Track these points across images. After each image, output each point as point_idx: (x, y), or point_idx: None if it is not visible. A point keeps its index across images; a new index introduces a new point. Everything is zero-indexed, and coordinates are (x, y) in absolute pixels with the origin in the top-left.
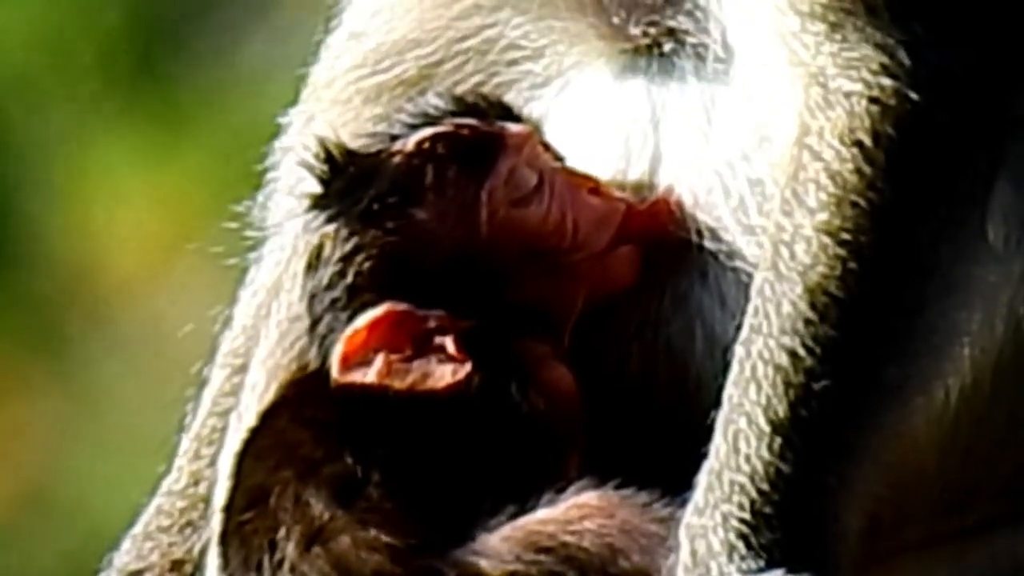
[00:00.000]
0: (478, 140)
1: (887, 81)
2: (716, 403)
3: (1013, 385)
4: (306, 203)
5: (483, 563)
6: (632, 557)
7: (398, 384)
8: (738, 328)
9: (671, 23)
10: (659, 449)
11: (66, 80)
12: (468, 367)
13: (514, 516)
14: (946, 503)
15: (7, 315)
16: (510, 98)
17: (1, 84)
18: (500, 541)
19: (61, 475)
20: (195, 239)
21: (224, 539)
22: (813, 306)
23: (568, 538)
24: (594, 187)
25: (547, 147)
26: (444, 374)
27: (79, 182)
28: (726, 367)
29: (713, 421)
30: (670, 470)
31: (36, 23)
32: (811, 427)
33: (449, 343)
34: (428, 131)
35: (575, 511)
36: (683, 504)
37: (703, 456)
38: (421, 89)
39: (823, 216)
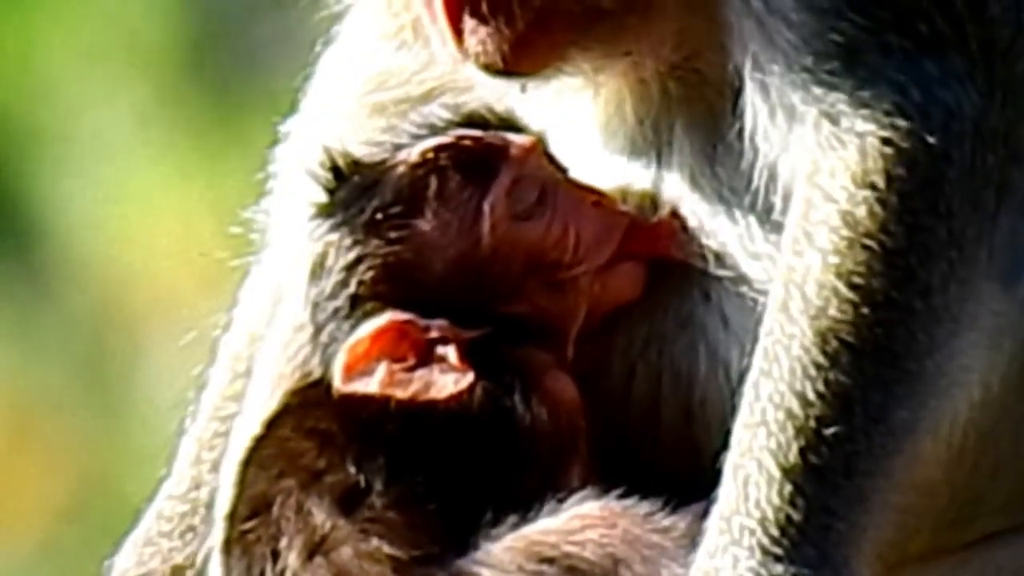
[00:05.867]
0: (481, 151)
1: (901, 122)
2: (721, 421)
3: (1020, 399)
4: (310, 212)
5: (485, 573)
6: (634, 567)
7: (400, 394)
8: (741, 348)
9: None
10: (664, 467)
11: (107, 95)
12: (470, 377)
13: (516, 526)
14: (951, 516)
15: (47, 332)
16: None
17: (41, 99)
18: (502, 551)
19: (101, 489)
20: (235, 253)
21: (227, 548)
22: (824, 351)
23: (570, 548)
24: (597, 200)
25: (551, 158)
26: (446, 384)
27: (118, 198)
28: (731, 386)
29: (717, 439)
30: (674, 487)
31: (78, 35)
32: (821, 473)
33: (451, 353)
34: (431, 142)
35: (577, 521)
36: (688, 515)
37: (707, 474)
38: (426, 102)
39: (835, 259)
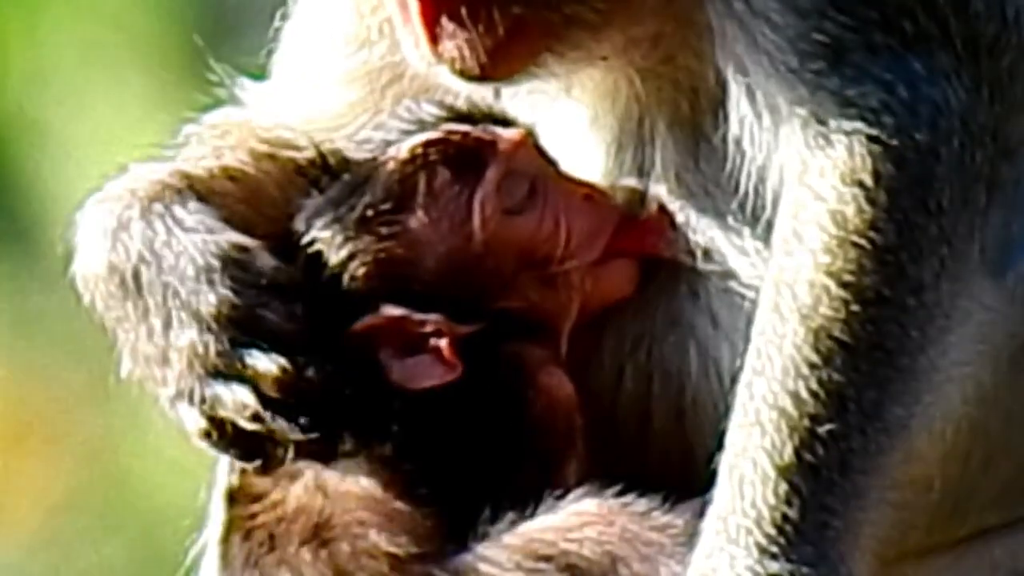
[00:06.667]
0: (470, 146)
1: (888, 119)
2: (712, 420)
3: (1010, 388)
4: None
5: (483, 570)
6: (632, 565)
7: (388, 385)
8: (731, 346)
9: (657, 63)
10: (655, 465)
11: (109, 87)
12: (458, 370)
13: (514, 523)
14: (945, 510)
15: (50, 323)
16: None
17: (44, 91)
18: (500, 549)
19: (105, 479)
20: None
21: (225, 538)
22: (817, 350)
23: (568, 546)
24: (589, 194)
25: (541, 152)
26: (433, 376)
27: None
28: (721, 384)
29: (709, 437)
30: (666, 485)
31: (80, 29)
32: (816, 471)
33: (443, 347)
34: (420, 138)
35: (575, 518)
36: (685, 513)
37: (699, 472)
38: (398, 75)
39: (825, 258)
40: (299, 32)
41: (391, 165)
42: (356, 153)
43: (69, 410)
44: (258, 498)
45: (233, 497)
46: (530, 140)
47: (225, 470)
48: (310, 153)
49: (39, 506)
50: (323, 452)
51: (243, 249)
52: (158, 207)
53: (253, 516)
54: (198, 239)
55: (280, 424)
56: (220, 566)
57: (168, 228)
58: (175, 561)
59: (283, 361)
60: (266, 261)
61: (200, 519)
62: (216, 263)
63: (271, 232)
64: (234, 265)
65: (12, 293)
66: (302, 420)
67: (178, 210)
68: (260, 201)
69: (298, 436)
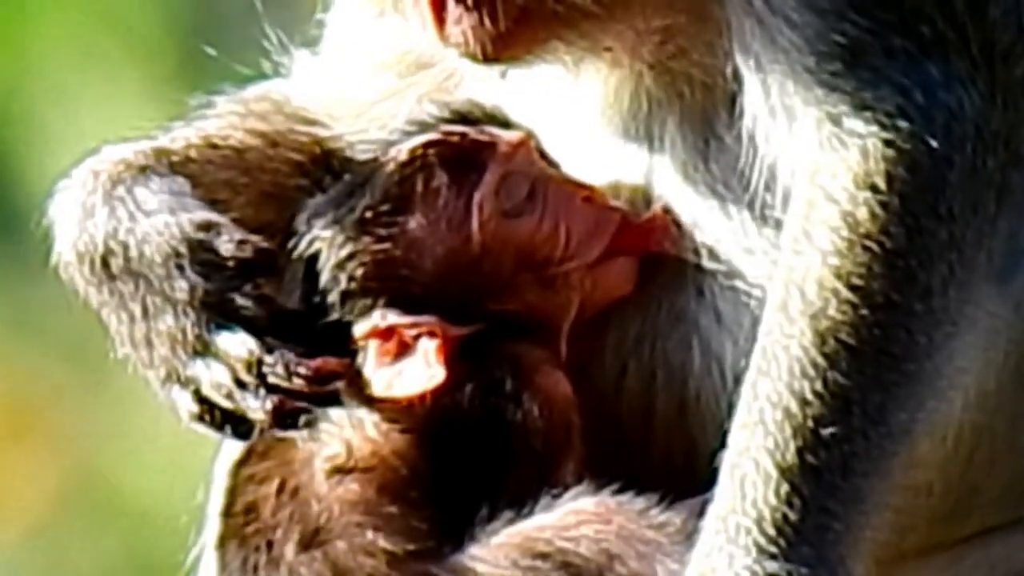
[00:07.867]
0: (469, 148)
1: (903, 124)
2: (715, 416)
3: (1015, 393)
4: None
5: (480, 569)
6: (629, 563)
7: (371, 391)
8: (735, 343)
9: (668, 57)
10: (658, 462)
11: (101, 84)
12: (442, 375)
13: (511, 522)
14: (946, 511)
15: (43, 323)
16: (500, 103)
17: (36, 87)
18: (497, 547)
19: (94, 477)
20: None
21: (222, 542)
22: (823, 352)
23: (565, 544)
24: (588, 196)
25: (542, 154)
26: (416, 381)
27: None
28: (724, 381)
29: (712, 434)
30: (669, 482)
31: (73, 23)
32: (818, 473)
33: (431, 350)
34: (420, 139)
35: (572, 517)
36: (684, 511)
37: (701, 469)
38: (425, 63)
39: (835, 260)
40: (337, 15)
41: (390, 166)
42: (358, 154)
43: (63, 406)
44: (252, 509)
45: (228, 510)
46: (530, 142)
47: (222, 470)
48: (316, 150)
49: (33, 503)
50: (288, 428)
51: (208, 227)
52: (120, 191)
53: (248, 524)
54: (160, 222)
55: (247, 403)
56: (218, 569)
57: (131, 213)
58: (169, 559)
59: (252, 343)
60: (232, 236)
61: (195, 517)
62: (182, 248)
63: (257, 195)
64: (200, 248)
65: (5, 290)
66: (267, 401)
67: (140, 192)
68: (246, 165)
69: (261, 416)
